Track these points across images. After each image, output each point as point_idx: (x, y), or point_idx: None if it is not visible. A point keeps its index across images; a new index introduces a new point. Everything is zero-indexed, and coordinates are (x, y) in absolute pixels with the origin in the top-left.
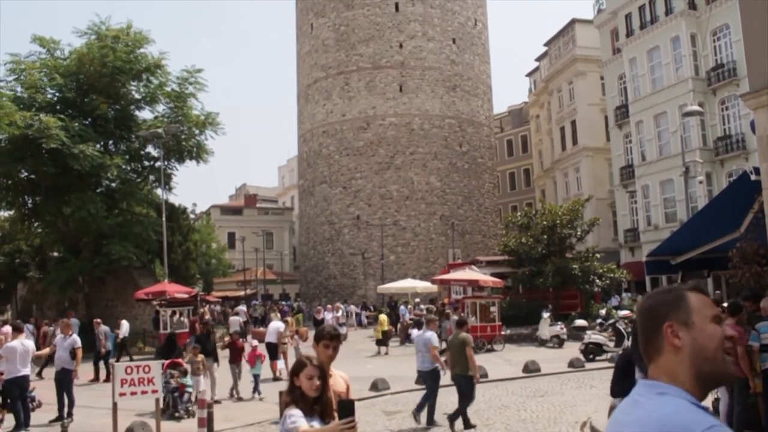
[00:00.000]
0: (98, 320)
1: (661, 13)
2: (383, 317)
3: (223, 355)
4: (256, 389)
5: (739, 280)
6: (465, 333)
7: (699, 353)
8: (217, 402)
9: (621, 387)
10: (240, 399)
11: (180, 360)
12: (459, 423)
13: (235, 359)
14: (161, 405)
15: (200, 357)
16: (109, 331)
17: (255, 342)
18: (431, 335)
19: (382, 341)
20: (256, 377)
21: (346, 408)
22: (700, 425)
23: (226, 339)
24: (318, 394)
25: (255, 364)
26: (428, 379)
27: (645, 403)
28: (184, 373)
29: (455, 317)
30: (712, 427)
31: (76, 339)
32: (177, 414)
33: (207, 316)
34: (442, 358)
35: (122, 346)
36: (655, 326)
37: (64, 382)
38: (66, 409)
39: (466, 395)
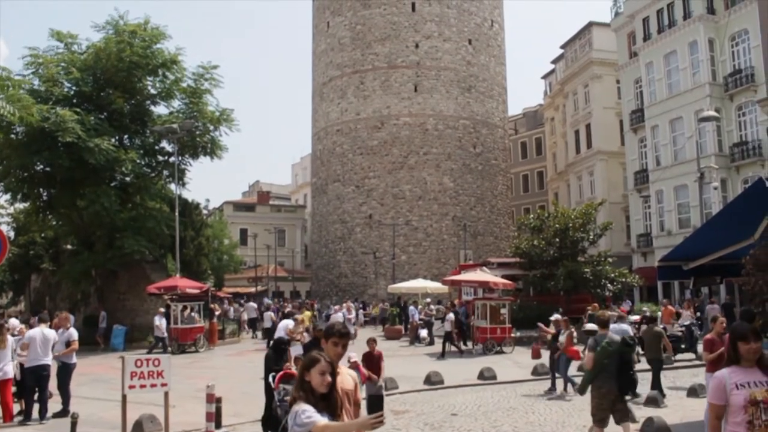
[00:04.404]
0: None
1: (680, 17)
2: (307, 313)
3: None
4: None
5: (752, 288)
6: (657, 328)
7: None
8: None
9: None
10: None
11: (294, 372)
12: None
13: (377, 375)
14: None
15: None
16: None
17: (353, 355)
18: (626, 327)
19: None
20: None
21: (376, 403)
22: None
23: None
24: (327, 391)
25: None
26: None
27: None
28: None
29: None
30: None
31: (72, 332)
32: None
33: (218, 312)
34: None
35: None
36: None
37: (60, 377)
38: (62, 405)
39: (655, 373)
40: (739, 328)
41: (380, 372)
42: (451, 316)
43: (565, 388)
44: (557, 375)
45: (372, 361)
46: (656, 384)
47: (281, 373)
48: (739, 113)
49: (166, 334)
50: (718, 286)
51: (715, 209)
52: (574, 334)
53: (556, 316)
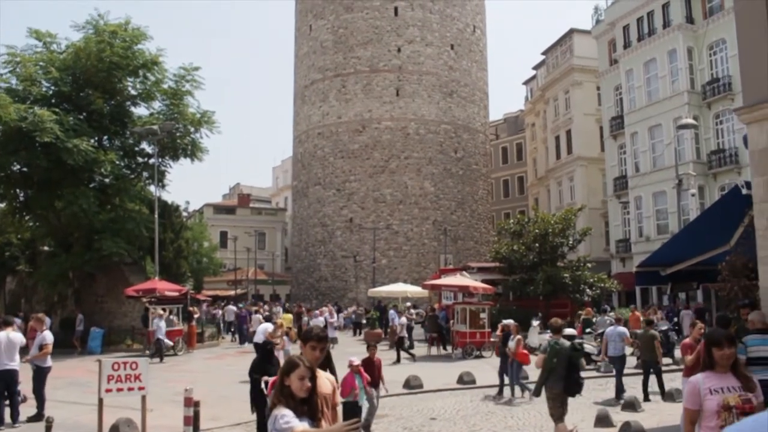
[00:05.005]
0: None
1: (659, 25)
2: (288, 316)
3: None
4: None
5: (728, 294)
6: (653, 331)
7: None
8: None
9: None
10: None
11: None
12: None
13: (374, 382)
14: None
15: None
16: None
17: (354, 359)
18: (624, 329)
19: None
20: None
21: (351, 409)
22: None
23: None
24: (307, 395)
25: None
26: (617, 363)
27: None
28: None
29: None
30: None
31: (46, 335)
32: None
33: (197, 315)
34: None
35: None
36: None
37: (35, 380)
38: (37, 409)
39: (657, 374)
40: (713, 334)
41: (378, 380)
42: (403, 320)
43: (512, 393)
44: (506, 381)
45: (372, 367)
46: (646, 385)
47: (273, 379)
48: (717, 121)
49: (164, 338)
50: (695, 292)
51: (692, 216)
52: (522, 342)
53: (508, 321)
